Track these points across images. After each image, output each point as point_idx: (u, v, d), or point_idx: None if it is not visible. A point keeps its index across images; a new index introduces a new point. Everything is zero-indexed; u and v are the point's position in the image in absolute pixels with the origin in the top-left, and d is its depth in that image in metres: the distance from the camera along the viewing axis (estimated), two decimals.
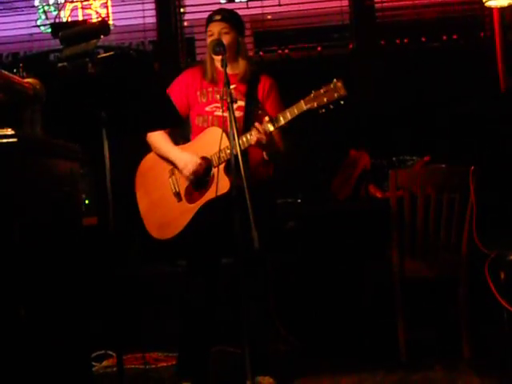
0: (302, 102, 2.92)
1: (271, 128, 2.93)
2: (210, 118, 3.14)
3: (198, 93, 3.19)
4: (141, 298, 4.01)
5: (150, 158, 3.25)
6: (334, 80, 2.90)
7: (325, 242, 4.10)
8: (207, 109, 3.15)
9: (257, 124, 2.93)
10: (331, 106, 2.90)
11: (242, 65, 3.18)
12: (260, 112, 3.08)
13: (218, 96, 3.05)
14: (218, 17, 3.13)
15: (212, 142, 3.02)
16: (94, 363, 3.45)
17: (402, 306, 3.42)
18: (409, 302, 3.49)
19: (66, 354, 2.27)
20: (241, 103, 3.14)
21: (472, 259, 3.40)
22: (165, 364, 3.57)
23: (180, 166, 3.10)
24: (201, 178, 3.07)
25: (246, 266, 2.56)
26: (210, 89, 3.18)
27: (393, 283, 3.43)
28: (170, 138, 3.18)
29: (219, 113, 3.08)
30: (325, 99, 2.88)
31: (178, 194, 3.12)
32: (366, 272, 3.75)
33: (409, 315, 3.47)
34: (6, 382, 1.97)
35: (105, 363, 3.60)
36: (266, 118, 2.95)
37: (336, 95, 2.87)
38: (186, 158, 3.09)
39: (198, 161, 3.07)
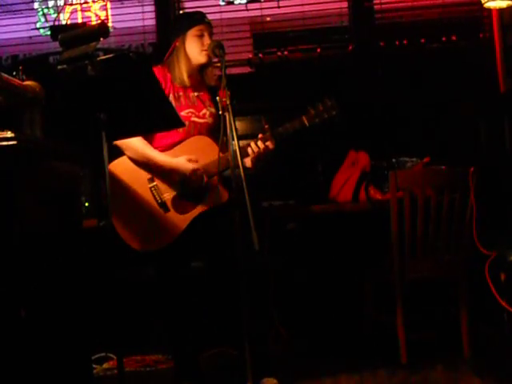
0: (303, 118, 3.07)
1: (273, 142, 3.02)
2: (187, 123, 2.99)
3: (171, 96, 3.06)
4: (141, 299, 4.00)
5: (118, 165, 3.05)
6: (326, 99, 3.09)
7: (325, 244, 4.10)
8: (182, 114, 3.03)
9: (259, 141, 2.98)
10: (328, 122, 3.09)
11: (209, 73, 3.15)
12: (266, 127, 3.09)
13: (218, 98, 3.05)
14: (207, 19, 3.12)
15: (200, 151, 2.99)
16: (94, 365, 3.46)
17: (403, 307, 3.42)
18: (409, 303, 3.49)
19: (66, 356, 2.27)
20: (211, 110, 3.13)
21: (472, 260, 3.41)
22: (165, 366, 3.57)
23: (186, 175, 2.98)
24: (196, 189, 3.00)
25: (244, 268, 2.56)
26: (181, 93, 3.10)
27: (393, 284, 3.43)
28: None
29: (195, 119, 3.07)
30: (325, 116, 3.08)
31: (163, 205, 2.99)
32: (366, 273, 3.75)
33: (409, 316, 3.47)
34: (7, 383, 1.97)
35: (105, 365, 3.60)
36: (268, 134, 2.98)
37: (334, 113, 3.09)
38: (184, 164, 2.98)
39: (197, 161, 3.00)
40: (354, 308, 3.86)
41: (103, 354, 3.64)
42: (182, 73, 3.09)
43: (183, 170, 2.99)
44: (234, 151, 2.54)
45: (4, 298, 1.99)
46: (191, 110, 3.08)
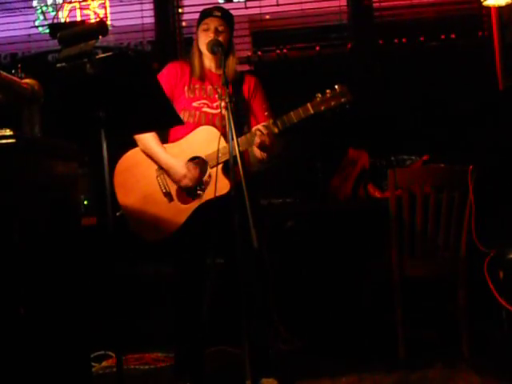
0: (308, 105, 2.95)
1: (276, 130, 2.94)
2: (198, 113, 3.08)
3: (186, 88, 3.12)
4: (140, 298, 4.01)
5: (131, 156, 3.14)
6: (337, 85, 2.96)
7: (324, 242, 4.10)
8: (194, 104, 3.10)
9: (260, 126, 2.94)
10: (337, 110, 2.95)
11: (230, 64, 3.12)
12: (266, 114, 3.07)
13: (217, 95, 3.06)
14: (217, 13, 3.11)
15: (207, 141, 2.99)
16: (93, 364, 3.45)
17: (402, 305, 3.42)
18: (408, 301, 3.49)
19: (65, 354, 2.27)
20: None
21: (471, 258, 3.41)
22: (164, 364, 3.57)
23: (175, 178, 3.03)
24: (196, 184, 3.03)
25: (246, 265, 2.55)
26: (198, 85, 3.13)
27: (392, 282, 3.43)
28: (158, 137, 3.09)
29: (207, 109, 3.08)
30: (332, 103, 2.94)
31: (168, 194, 3.05)
32: (365, 271, 3.75)
33: (408, 314, 3.48)
34: (6, 381, 1.97)
35: (104, 364, 3.60)
36: (271, 121, 2.95)
37: (343, 100, 2.94)
38: (179, 167, 3.02)
39: (192, 170, 3.02)
40: (353, 306, 3.86)
41: (102, 352, 3.64)
42: (195, 66, 3.14)
43: (174, 174, 3.03)
44: (233, 151, 2.55)
45: (3, 295, 1.99)
46: (204, 101, 3.10)
